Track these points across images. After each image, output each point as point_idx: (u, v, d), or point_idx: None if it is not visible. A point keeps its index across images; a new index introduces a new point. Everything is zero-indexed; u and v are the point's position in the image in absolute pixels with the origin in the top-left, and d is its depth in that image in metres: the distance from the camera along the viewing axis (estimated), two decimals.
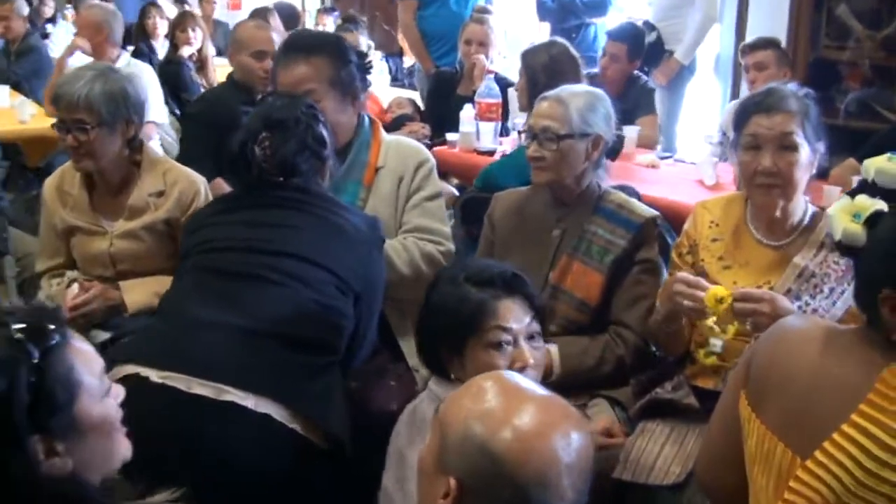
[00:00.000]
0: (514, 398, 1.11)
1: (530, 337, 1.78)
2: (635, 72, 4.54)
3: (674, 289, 1.95)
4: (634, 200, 2.43)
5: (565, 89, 2.36)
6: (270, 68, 3.59)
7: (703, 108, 5.76)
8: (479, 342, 1.74)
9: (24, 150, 4.46)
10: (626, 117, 4.23)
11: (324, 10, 8.24)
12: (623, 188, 2.85)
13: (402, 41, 6.62)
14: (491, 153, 3.91)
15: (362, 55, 2.49)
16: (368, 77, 2.47)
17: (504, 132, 4.10)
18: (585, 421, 1.13)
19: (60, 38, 7.31)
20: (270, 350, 1.81)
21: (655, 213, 2.40)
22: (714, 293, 1.88)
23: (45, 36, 7.78)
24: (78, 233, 2.53)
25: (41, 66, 5.50)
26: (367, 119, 2.51)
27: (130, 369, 1.77)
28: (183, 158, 3.98)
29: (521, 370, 1.70)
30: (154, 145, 4.71)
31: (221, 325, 1.81)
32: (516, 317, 1.76)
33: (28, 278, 2.94)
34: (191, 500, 1.64)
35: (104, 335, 2.40)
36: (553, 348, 2.26)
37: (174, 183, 2.52)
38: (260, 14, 5.79)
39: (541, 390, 1.14)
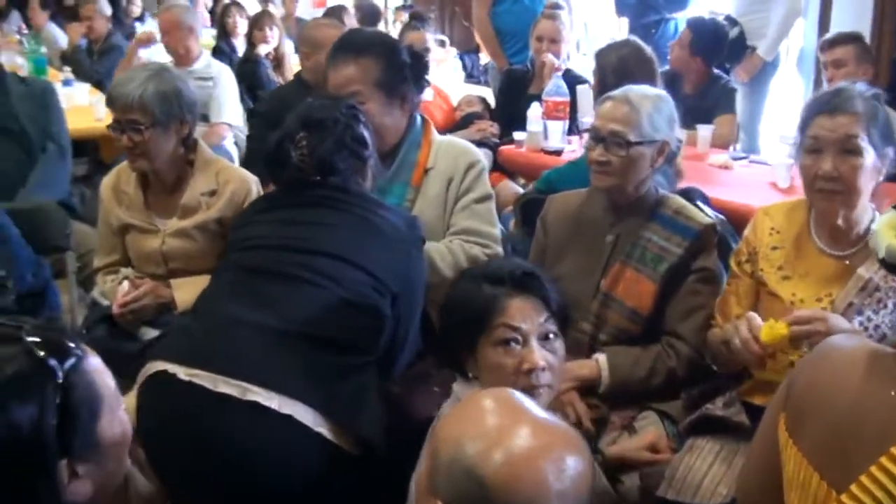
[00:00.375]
0: (509, 419, 1.05)
1: (544, 338, 1.70)
2: (715, 71, 4.41)
3: (731, 347, 1.88)
4: (693, 206, 2.34)
5: (632, 90, 2.27)
6: None
7: (785, 105, 5.55)
8: (488, 340, 1.69)
9: (101, 146, 4.58)
10: (705, 116, 4.13)
11: (402, 7, 8.25)
12: (688, 191, 2.77)
13: (478, 37, 6.56)
14: (558, 153, 3.84)
15: (418, 56, 2.46)
16: (427, 77, 2.45)
17: (572, 131, 4.01)
18: (585, 446, 1.06)
19: None
20: (300, 350, 1.80)
21: (715, 219, 2.31)
22: (769, 331, 1.79)
23: (132, 35, 8.02)
24: (132, 231, 2.57)
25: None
26: (419, 119, 2.49)
27: (160, 366, 1.79)
28: (248, 157, 4.07)
29: (530, 372, 1.64)
30: (228, 145, 4.84)
31: (251, 323, 1.82)
32: (526, 315, 1.69)
33: (88, 274, 3.00)
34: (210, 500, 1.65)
35: (153, 332, 2.44)
36: (602, 358, 2.20)
37: (226, 182, 2.55)
38: (335, 13, 5.83)
39: (541, 412, 1.08)
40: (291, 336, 1.81)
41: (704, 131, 3.96)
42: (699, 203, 2.53)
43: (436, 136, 2.49)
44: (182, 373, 1.74)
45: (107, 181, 2.65)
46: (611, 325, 2.23)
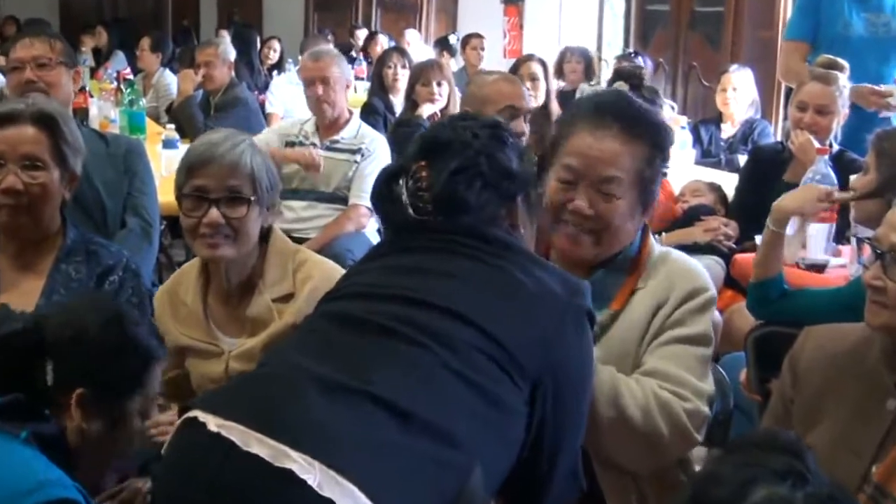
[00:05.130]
0: None
1: None
2: None
3: None
4: None
5: None
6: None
7: None
8: None
9: None
10: None
11: (623, 57, 8.25)
12: None
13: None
14: (820, 268, 3.64)
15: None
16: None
17: (842, 238, 3.82)
18: None
19: (282, 90, 7.90)
20: (370, 418, 1.76)
21: None
22: None
23: (266, 87, 8.45)
24: (191, 354, 2.67)
25: (245, 124, 5.88)
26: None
27: (192, 414, 1.84)
28: None
29: None
30: (370, 233, 4.92)
31: (314, 374, 1.83)
32: None
33: None
34: None
35: None
36: None
37: (305, 280, 2.60)
38: (522, 63, 5.90)
39: None
40: (362, 397, 1.78)
41: None
42: None
43: (653, 246, 2.47)
44: (212, 423, 1.77)
45: (162, 289, 2.78)
46: None
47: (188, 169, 2.54)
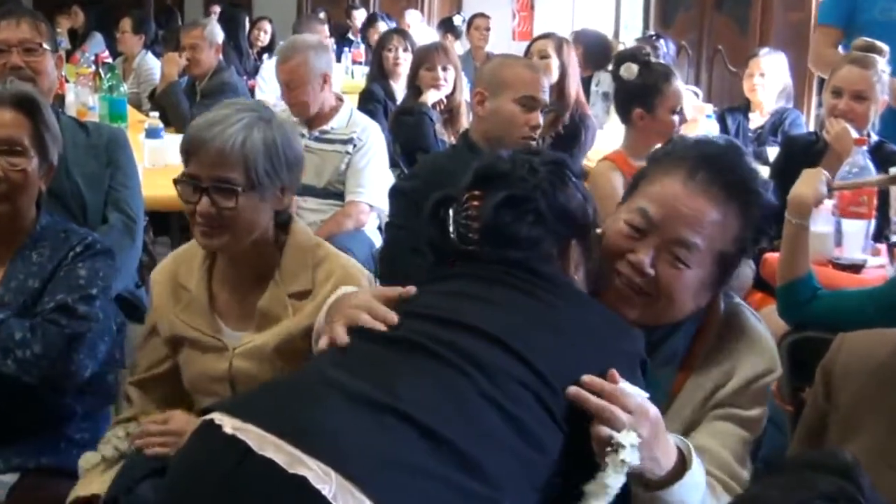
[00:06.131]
0: None
1: None
2: None
3: None
4: None
5: None
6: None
7: None
8: None
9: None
10: None
11: (643, 40, 8.24)
12: None
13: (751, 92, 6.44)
14: (857, 268, 3.65)
15: None
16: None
17: (882, 236, 3.85)
18: None
19: (273, 76, 7.87)
20: (391, 433, 1.76)
21: None
22: None
23: (256, 71, 8.45)
24: (187, 345, 2.64)
25: None
26: None
27: (210, 416, 1.85)
28: (385, 252, 4.09)
29: None
30: (370, 232, 4.93)
31: (343, 386, 1.83)
32: None
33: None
34: None
35: None
36: None
37: (327, 277, 2.58)
38: (540, 40, 5.94)
39: None
40: (388, 412, 1.78)
41: None
42: None
43: (718, 315, 2.35)
44: (229, 425, 1.79)
45: (162, 268, 2.73)
46: None
47: (184, 153, 2.52)
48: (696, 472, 2.05)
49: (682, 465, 2.02)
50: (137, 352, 2.83)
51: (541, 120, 3.82)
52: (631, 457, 1.87)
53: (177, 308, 2.65)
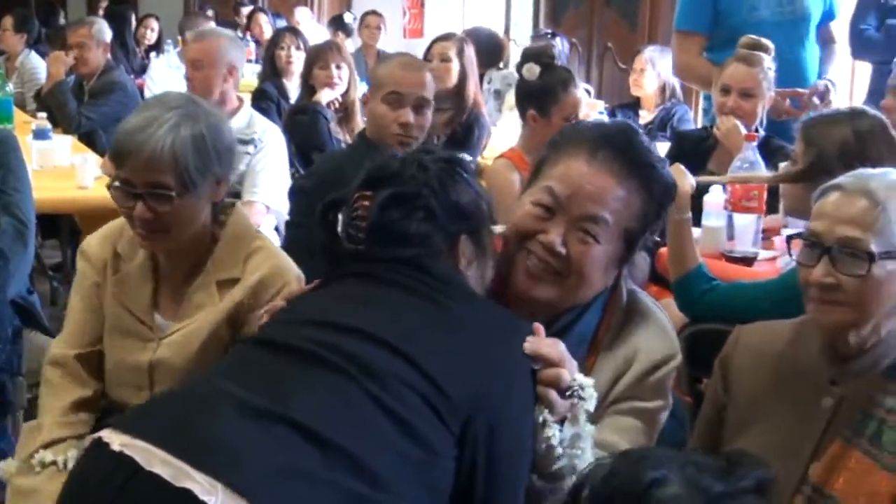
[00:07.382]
0: None
1: None
2: None
3: None
4: None
5: (872, 177, 2.24)
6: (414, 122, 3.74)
7: None
8: None
9: (82, 224, 4.66)
10: None
11: (538, 38, 8.33)
12: None
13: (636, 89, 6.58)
14: (748, 261, 3.73)
15: None
16: None
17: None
18: None
19: (162, 75, 7.83)
20: (279, 441, 1.78)
21: None
22: None
23: (143, 70, 8.35)
24: (115, 333, 2.62)
25: (124, 111, 5.77)
26: None
27: (99, 434, 1.85)
28: (288, 249, 4.07)
29: None
30: (266, 232, 4.88)
31: (230, 396, 1.84)
32: None
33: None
34: None
35: None
36: None
37: (255, 269, 2.59)
38: (441, 42, 6.00)
39: None
40: (277, 421, 1.79)
41: None
42: None
43: (621, 297, 2.41)
44: (116, 442, 1.79)
45: (100, 237, 2.69)
46: None
47: (114, 158, 2.51)
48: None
49: None
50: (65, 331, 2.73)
51: (412, 118, 3.75)
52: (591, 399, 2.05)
53: (115, 280, 2.62)
